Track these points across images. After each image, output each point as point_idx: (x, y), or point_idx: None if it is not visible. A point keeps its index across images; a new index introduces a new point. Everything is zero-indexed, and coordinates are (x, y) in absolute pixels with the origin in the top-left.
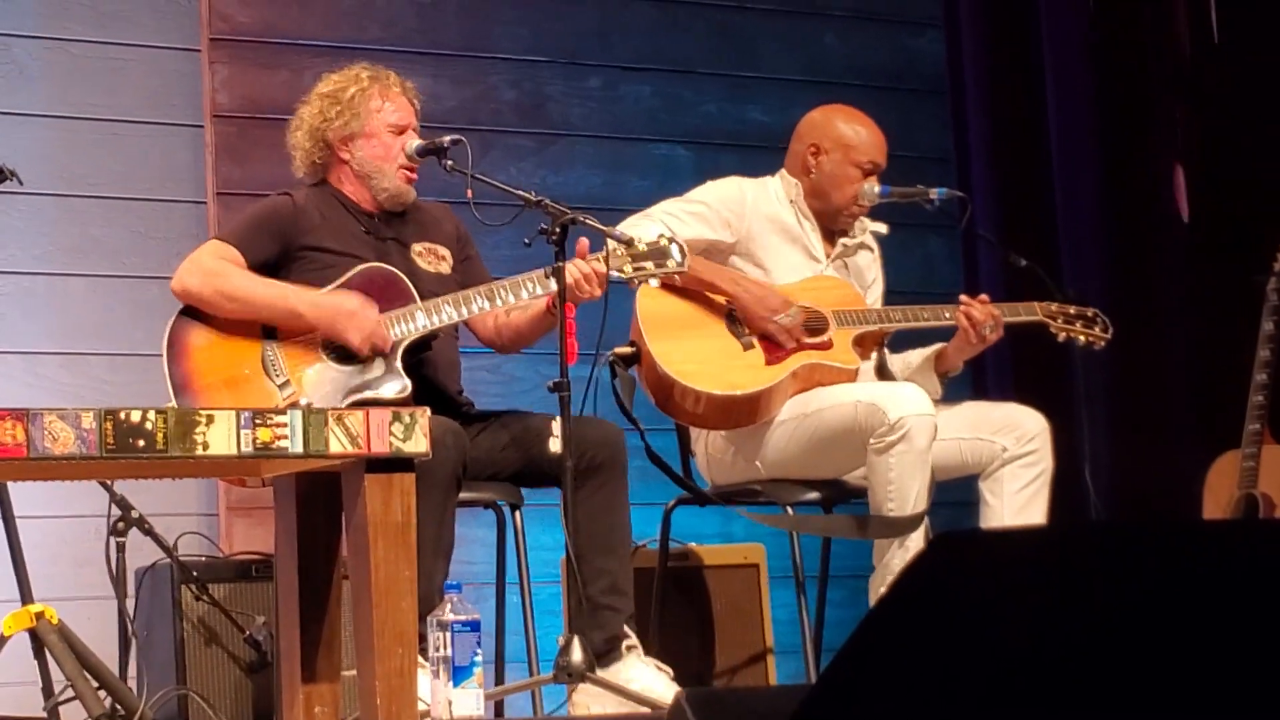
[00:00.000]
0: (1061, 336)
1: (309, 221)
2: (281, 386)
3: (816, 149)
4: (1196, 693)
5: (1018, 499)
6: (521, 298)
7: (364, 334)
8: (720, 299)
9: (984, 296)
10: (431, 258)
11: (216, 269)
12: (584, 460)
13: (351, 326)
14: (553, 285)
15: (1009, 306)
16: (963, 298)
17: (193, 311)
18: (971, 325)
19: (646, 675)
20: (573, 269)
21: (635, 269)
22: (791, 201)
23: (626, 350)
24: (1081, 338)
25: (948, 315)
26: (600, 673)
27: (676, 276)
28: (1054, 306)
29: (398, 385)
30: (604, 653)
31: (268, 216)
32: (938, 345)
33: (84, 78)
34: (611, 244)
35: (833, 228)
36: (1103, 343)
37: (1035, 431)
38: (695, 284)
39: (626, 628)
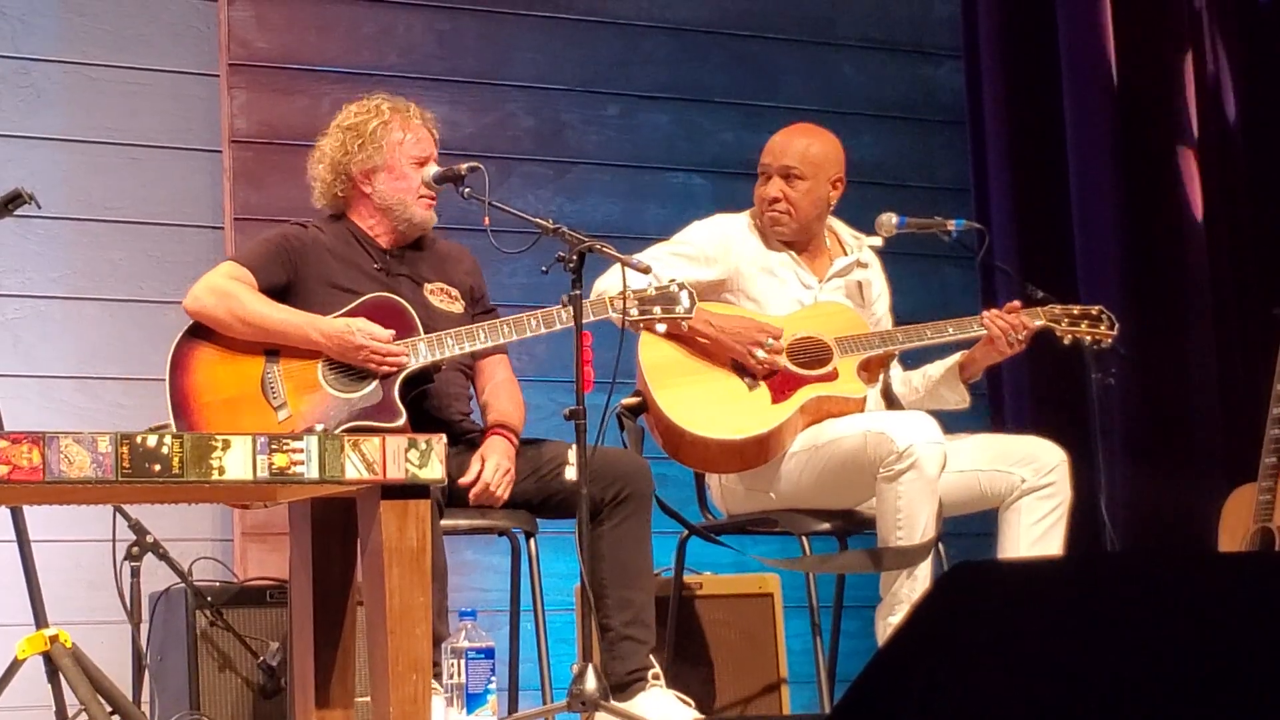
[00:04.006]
0: (1067, 339)
1: (319, 256)
2: (278, 409)
3: None
4: None
5: (1034, 531)
6: (524, 335)
7: (374, 364)
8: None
9: (1016, 304)
10: (445, 297)
11: (231, 290)
12: (611, 492)
13: (361, 360)
14: (557, 325)
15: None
16: (990, 311)
17: (198, 331)
18: (1001, 333)
19: (666, 706)
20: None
21: (642, 312)
22: (764, 232)
23: (633, 401)
24: (1088, 337)
25: (975, 327)
26: (619, 705)
27: (684, 324)
28: (1057, 309)
29: (394, 417)
30: (625, 685)
31: (280, 245)
32: (960, 354)
33: (102, 102)
34: (618, 290)
35: (787, 240)
36: (1109, 339)
37: (1054, 464)
38: (674, 328)
39: (650, 659)
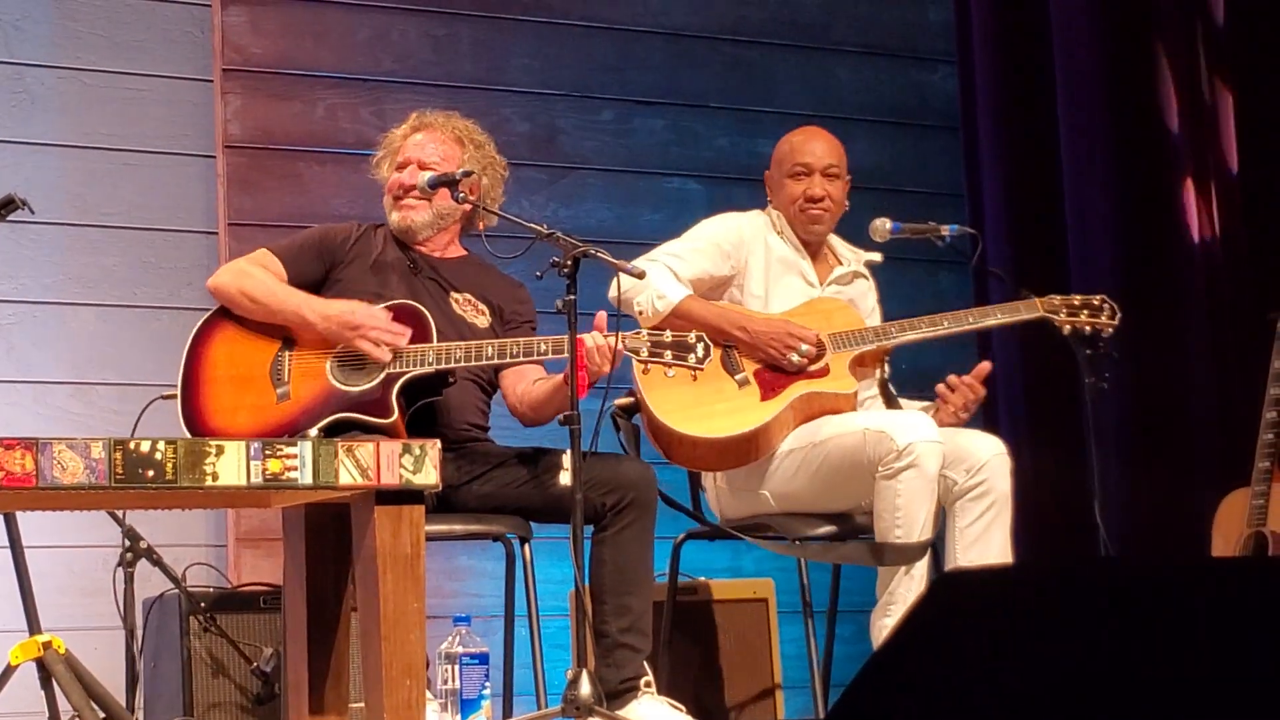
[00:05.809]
0: (1066, 329)
1: (358, 254)
2: (279, 391)
3: (768, 174)
4: None
5: (969, 534)
6: (531, 358)
7: (372, 340)
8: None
9: (986, 365)
10: (470, 308)
11: (248, 270)
12: (614, 498)
13: (358, 336)
14: (565, 354)
15: (1009, 306)
16: (949, 379)
17: (227, 310)
18: (950, 402)
19: (660, 713)
20: (588, 339)
21: (651, 354)
22: (780, 232)
23: (627, 401)
24: (1088, 327)
25: (970, 319)
26: (614, 713)
27: (697, 339)
28: (1056, 299)
29: (385, 414)
30: (620, 694)
31: (320, 238)
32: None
33: (97, 107)
34: (636, 293)
35: (807, 240)
36: (1110, 329)
37: (984, 460)
38: (702, 329)
39: (644, 666)
